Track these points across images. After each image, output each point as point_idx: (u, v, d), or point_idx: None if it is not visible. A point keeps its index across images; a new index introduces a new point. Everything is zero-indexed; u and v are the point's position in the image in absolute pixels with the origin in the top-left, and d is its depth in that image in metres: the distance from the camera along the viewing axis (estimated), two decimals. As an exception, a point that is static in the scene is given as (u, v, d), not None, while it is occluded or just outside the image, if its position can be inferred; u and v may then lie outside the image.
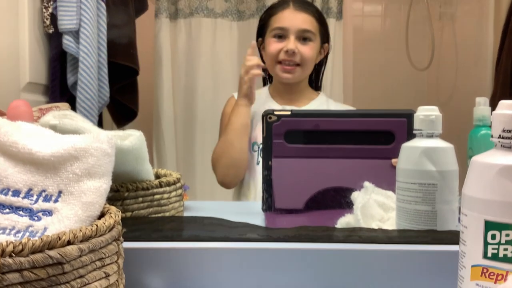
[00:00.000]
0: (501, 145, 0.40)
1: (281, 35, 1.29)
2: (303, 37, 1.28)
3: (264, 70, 1.33)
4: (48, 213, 0.42)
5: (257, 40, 1.41)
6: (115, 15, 1.53)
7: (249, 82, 1.22)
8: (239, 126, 1.23)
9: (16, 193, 0.43)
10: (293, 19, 1.28)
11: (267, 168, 0.82)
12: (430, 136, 0.61)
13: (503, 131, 0.40)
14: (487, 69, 1.94)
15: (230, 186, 1.28)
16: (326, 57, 1.41)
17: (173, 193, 0.70)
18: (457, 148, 0.62)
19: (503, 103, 0.40)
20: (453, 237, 0.55)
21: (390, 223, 0.66)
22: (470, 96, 0.95)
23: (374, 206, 0.67)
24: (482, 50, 2.01)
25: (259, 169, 1.24)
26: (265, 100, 1.36)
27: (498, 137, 0.40)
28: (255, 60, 1.23)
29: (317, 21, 1.32)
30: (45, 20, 1.40)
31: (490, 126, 0.85)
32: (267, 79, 1.45)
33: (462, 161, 0.64)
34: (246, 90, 1.22)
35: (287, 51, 1.26)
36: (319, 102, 1.38)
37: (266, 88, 1.41)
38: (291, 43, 1.26)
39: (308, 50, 1.29)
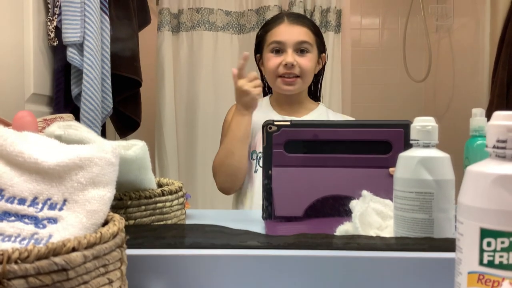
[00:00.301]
0: (496, 155, 0.41)
1: (279, 50, 1.30)
2: (300, 49, 1.30)
3: (263, 81, 1.34)
4: (53, 221, 0.43)
5: (255, 56, 1.43)
6: (119, 28, 1.55)
7: (254, 98, 1.21)
8: (240, 135, 1.22)
9: (22, 201, 0.44)
10: (289, 32, 1.30)
11: (267, 177, 0.83)
12: (427, 146, 0.62)
13: (498, 141, 0.41)
14: (484, 80, 1.96)
15: (229, 192, 1.30)
16: (324, 67, 1.42)
17: (175, 202, 0.71)
18: (453, 158, 0.63)
19: (497, 114, 0.42)
20: (449, 245, 0.55)
21: (388, 231, 0.67)
22: (467, 107, 0.96)
23: (372, 214, 0.68)
24: (478, 61, 2.02)
25: (257, 177, 1.25)
26: (265, 110, 1.37)
27: (493, 147, 0.41)
28: (257, 81, 1.23)
29: (313, 33, 1.33)
30: (50, 33, 1.41)
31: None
32: (267, 90, 1.46)
33: (459, 171, 0.65)
34: (251, 102, 1.21)
35: (286, 65, 1.28)
36: (319, 113, 1.39)
37: (266, 98, 1.42)
38: (289, 56, 1.28)
39: (307, 62, 1.30)
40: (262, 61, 1.38)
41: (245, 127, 1.22)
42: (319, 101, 1.46)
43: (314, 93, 1.45)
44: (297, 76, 1.29)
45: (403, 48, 2.43)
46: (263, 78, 1.42)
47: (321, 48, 1.37)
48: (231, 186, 1.27)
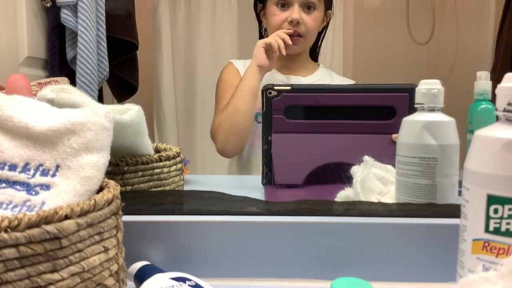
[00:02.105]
0: (506, 119, 0.39)
1: (284, 3, 1.22)
2: (307, 5, 1.22)
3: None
4: (46, 187, 0.42)
5: (256, 6, 1.35)
6: (113, -12, 1.51)
7: (275, 53, 1.16)
8: (249, 91, 1.15)
9: (13, 167, 0.43)
10: None
11: (267, 143, 0.82)
12: (432, 110, 0.61)
13: (509, 104, 0.39)
14: (488, 43, 1.92)
15: (230, 155, 1.21)
16: (327, 24, 1.35)
17: (173, 167, 0.70)
18: (456, 122, 0.62)
19: (509, 76, 0.40)
20: (453, 211, 0.55)
21: (389, 197, 0.66)
22: (470, 70, 0.94)
23: (373, 180, 0.67)
24: (483, 24, 1.98)
25: None
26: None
27: (503, 111, 0.39)
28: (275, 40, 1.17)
29: None
30: (42, -7, 1.37)
31: (491, 100, 0.84)
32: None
33: (461, 135, 0.64)
34: (266, 60, 1.16)
35: (291, 21, 1.20)
36: (321, 73, 1.35)
37: None
38: (296, 12, 1.20)
39: (312, 20, 1.23)
40: (265, 12, 1.31)
41: (256, 84, 1.15)
42: (317, 61, 1.42)
43: (313, 52, 1.40)
44: (300, 36, 1.23)
45: (406, 10, 2.38)
46: (263, 32, 1.36)
47: (328, 4, 1.30)
48: (234, 147, 1.20)
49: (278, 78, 1.29)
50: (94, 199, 0.39)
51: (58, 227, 0.34)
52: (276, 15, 1.23)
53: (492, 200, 0.39)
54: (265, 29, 1.35)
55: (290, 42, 1.17)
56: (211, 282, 0.48)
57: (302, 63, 1.33)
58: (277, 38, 1.16)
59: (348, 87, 0.85)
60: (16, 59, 1.29)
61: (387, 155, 0.69)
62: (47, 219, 0.34)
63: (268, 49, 1.16)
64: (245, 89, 1.15)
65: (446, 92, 0.62)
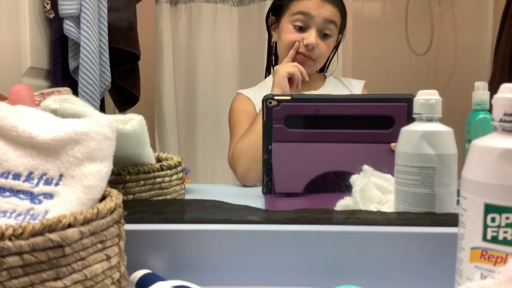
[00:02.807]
0: (502, 129, 0.40)
1: (302, 26, 1.20)
2: (324, 32, 1.21)
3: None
4: (49, 196, 0.43)
5: (267, 17, 1.32)
6: (116, 0, 1.52)
7: (296, 82, 1.15)
8: None
9: (17, 176, 0.43)
10: (320, 7, 1.19)
11: (267, 152, 0.83)
12: (430, 120, 0.61)
13: (505, 114, 0.40)
14: (486, 53, 1.93)
15: (252, 182, 1.10)
16: (338, 45, 1.34)
17: (174, 176, 0.70)
18: (455, 132, 0.62)
19: (505, 86, 0.40)
20: (451, 220, 0.55)
21: (388, 206, 0.67)
22: (469, 80, 0.94)
23: (373, 189, 0.68)
24: (481, 34, 1.99)
25: None
26: None
27: (500, 121, 0.40)
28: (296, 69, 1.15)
29: (341, 14, 1.24)
30: (46, 5, 1.38)
31: (489, 111, 0.85)
32: (272, 65, 1.39)
33: (460, 145, 0.64)
34: (285, 88, 1.13)
35: (307, 45, 1.19)
36: (332, 84, 1.33)
37: (271, 77, 1.35)
38: (313, 37, 1.18)
39: (326, 47, 1.23)
40: (277, 26, 1.28)
41: None
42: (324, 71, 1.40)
43: (320, 69, 1.39)
44: (311, 58, 1.22)
45: (405, 20, 2.39)
46: (272, 45, 1.33)
47: (342, 28, 1.29)
48: (257, 174, 1.07)
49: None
50: (97, 208, 0.39)
51: (62, 235, 0.35)
52: (291, 33, 1.21)
53: (489, 209, 0.39)
54: (274, 43, 1.33)
55: (307, 78, 1.16)
56: (212, 290, 0.48)
57: (310, 79, 1.27)
58: (297, 68, 1.14)
59: (347, 97, 0.86)
60: (19, 69, 1.30)
61: (386, 164, 0.70)
62: (51, 228, 0.35)
63: (289, 77, 1.14)
64: None
65: (444, 102, 0.62)
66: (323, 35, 1.21)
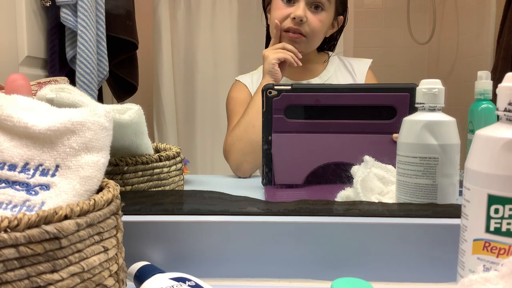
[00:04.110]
0: (507, 118, 0.39)
1: None
2: (315, 4, 1.13)
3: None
4: (46, 187, 0.42)
5: (263, 2, 1.28)
6: (113, -12, 1.51)
7: (291, 65, 1.11)
8: (260, 105, 1.03)
9: (12, 167, 0.42)
10: None
11: (267, 143, 0.82)
12: (433, 109, 0.60)
13: (509, 104, 0.39)
14: (489, 42, 1.92)
15: (246, 174, 1.07)
16: (340, 31, 1.28)
17: (173, 167, 0.70)
18: (457, 122, 0.61)
19: (509, 75, 0.40)
20: (453, 211, 0.54)
21: (389, 197, 0.66)
22: (471, 70, 0.93)
23: (374, 180, 0.67)
24: (483, 24, 1.98)
25: None
26: None
27: (504, 110, 0.39)
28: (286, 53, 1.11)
29: None
30: (42, -8, 1.37)
31: (491, 100, 0.84)
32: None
33: (462, 135, 0.64)
34: (277, 74, 1.09)
35: (294, 18, 1.11)
36: (334, 67, 1.27)
37: None
38: (300, 9, 1.10)
39: (318, 21, 1.14)
40: (270, 7, 1.22)
41: None
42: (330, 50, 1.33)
43: (323, 46, 1.30)
44: (303, 35, 1.14)
45: (407, 9, 2.38)
46: (268, 28, 1.27)
47: (340, 8, 1.22)
48: (250, 165, 1.06)
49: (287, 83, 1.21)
50: (94, 199, 0.38)
51: (58, 227, 0.34)
52: (279, 9, 1.15)
53: (492, 200, 0.38)
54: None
55: (300, 56, 1.11)
56: (211, 282, 0.48)
57: (309, 64, 1.26)
58: (288, 52, 1.10)
59: (349, 87, 0.84)
60: (16, 58, 1.29)
61: (387, 155, 0.69)
62: (47, 219, 0.34)
63: (280, 63, 1.10)
64: (258, 103, 1.03)
65: (446, 92, 0.62)
66: (315, 7, 1.14)
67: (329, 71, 1.28)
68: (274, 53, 1.09)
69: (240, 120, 1.11)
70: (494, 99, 0.80)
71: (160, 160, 0.67)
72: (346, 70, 1.30)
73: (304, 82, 1.26)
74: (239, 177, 1.05)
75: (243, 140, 1.07)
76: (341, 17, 1.24)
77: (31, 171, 0.43)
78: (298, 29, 1.13)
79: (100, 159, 0.44)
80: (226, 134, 1.19)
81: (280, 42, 1.16)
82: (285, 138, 0.81)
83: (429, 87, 0.60)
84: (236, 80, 1.32)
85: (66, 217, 0.35)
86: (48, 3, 1.38)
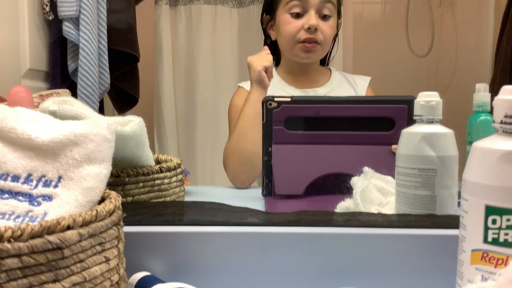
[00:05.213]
0: (503, 131, 0.40)
1: (299, 12, 1.16)
2: (323, 13, 1.16)
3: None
4: (48, 198, 0.42)
5: (261, 18, 1.30)
6: (115, 2, 1.52)
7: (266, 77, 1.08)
8: (252, 115, 1.05)
9: (16, 178, 0.43)
10: None
11: (267, 154, 0.82)
12: (431, 122, 0.61)
13: (506, 116, 0.39)
14: (487, 55, 1.93)
15: (243, 184, 1.05)
16: (337, 34, 1.30)
17: (174, 178, 0.70)
18: (456, 134, 0.62)
19: (506, 88, 0.40)
20: (452, 222, 0.55)
21: (389, 208, 0.66)
22: (469, 82, 0.94)
23: (373, 191, 0.67)
24: (482, 36, 1.99)
25: None
26: (279, 85, 1.26)
27: (500, 123, 0.40)
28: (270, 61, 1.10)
29: None
30: (45, 6, 1.38)
31: (490, 112, 0.85)
32: (274, 60, 1.32)
33: (461, 147, 0.64)
34: (264, 81, 1.07)
35: (309, 28, 1.14)
36: (337, 80, 1.29)
37: (274, 72, 1.27)
38: (313, 19, 1.13)
39: (329, 28, 1.18)
40: (274, 23, 1.24)
41: (258, 105, 0.98)
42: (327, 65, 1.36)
43: (323, 61, 1.34)
44: (317, 43, 1.17)
45: (405, 22, 2.39)
46: (271, 45, 1.28)
47: (339, 13, 1.25)
48: (246, 176, 1.05)
49: (293, 93, 1.24)
50: (96, 210, 0.39)
51: (60, 237, 0.35)
52: (290, 23, 1.17)
53: (490, 210, 0.39)
54: (271, 42, 1.29)
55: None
56: (212, 292, 0.48)
57: (315, 74, 1.28)
58: (271, 59, 1.10)
59: (348, 99, 0.85)
60: (18, 71, 1.30)
61: (386, 166, 0.70)
62: (50, 229, 0.34)
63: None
64: (253, 113, 1.06)
65: (445, 104, 0.62)
66: (323, 17, 1.17)
67: (333, 82, 1.29)
68: (259, 61, 1.09)
69: (233, 131, 1.11)
70: (492, 111, 0.81)
71: (161, 172, 0.68)
72: (348, 84, 1.32)
73: (310, 91, 1.27)
74: (238, 188, 1.05)
75: (236, 150, 1.07)
76: (340, 20, 1.27)
77: (34, 182, 0.43)
78: (314, 38, 1.16)
79: (102, 171, 0.45)
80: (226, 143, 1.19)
81: (293, 54, 1.20)
82: (285, 149, 0.82)
83: (427, 99, 0.61)
84: (239, 86, 1.32)
85: (68, 228, 0.36)
86: (51, 17, 1.39)
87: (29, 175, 0.44)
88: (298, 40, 1.17)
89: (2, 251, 0.32)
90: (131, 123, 0.62)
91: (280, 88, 1.26)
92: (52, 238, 0.34)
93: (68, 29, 1.36)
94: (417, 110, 0.62)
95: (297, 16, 1.17)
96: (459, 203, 0.50)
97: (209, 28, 2.11)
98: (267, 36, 1.31)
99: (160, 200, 0.68)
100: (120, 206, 0.44)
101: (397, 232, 0.54)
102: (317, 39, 1.17)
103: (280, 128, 0.81)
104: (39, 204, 0.42)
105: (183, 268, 0.55)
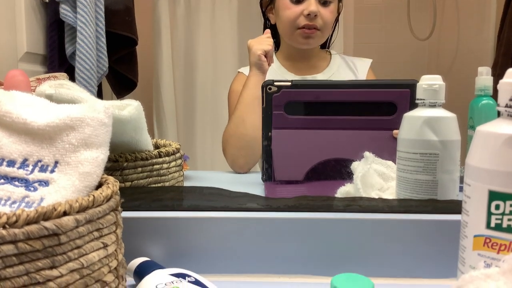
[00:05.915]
0: (508, 114, 0.39)
1: None
2: None
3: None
4: (45, 183, 0.42)
5: (261, 2, 1.29)
6: (113, -16, 1.50)
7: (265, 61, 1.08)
8: (251, 99, 1.05)
9: (11, 163, 0.42)
10: None
11: (267, 139, 0.82)
12: (433, 105, 0.60)
13: (511, 100, 0.39)
14: (489, 39, 1.91)
15: (242, 168, 1.05)
16: (338, 17, 1.29)
17: (173, 163, 0.70)
18: (457, 118, 0.61)
19: (511, 71, 0.39)
20: (454, 207, 0.54)
21: (389, 193, 0.66)
22: (471, 66, 0.93)
23: (374, 176, 0.67)
24: (484, 20, 1.97)
25: None
26: (279, 72, 1.26)
27: (505, 106, 0.39)
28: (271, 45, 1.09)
29: None
30: (41, -12, 1.37)
31: (492, 96, 0.84)
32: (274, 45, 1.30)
33: (463, 131, 0.64)
34: (263, 65, 1.07)
35: (308, 14, 1.13)
36: (337, 64, 1.29)
37: (274, 57, 1.24)
38: (313, 5, 1.13)
39: (329, 13, 1.17)
40: (273, 8, 1.24)
41: (256, 89, 0.99)
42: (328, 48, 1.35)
43: (324, 44, 1.32)
44: (317, 29, 1.17)
45: (407, 5, 2.37)
46: (271, 28, 1.25)
47: None
48: (245, 160, 1.05)
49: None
50: (93, 195, 0.38)
51: (57, 223, 0.34)
52: (289, 8, 1.16)
53: (493, 196, 0.38)
54: (271, 25, 1.28)
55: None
56: (211, 278, 0.48)
57: (314, 60, 1.28)
58: (271, 43, 1.09)
59: (349, 83, 0.84)
60: (15, 54, 1.29)
61: (387, 151, 0.69)
62: (46, 215, 0.34)
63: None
64: (251, 98, 1.05)
65: (447, 88, 0.61)
66: (323, 2, 1.17)
67: (333, 67, 1.29)
68: (259, 44, 1.08)
69: (232, 116, 1.10)
70: (494, 95, 0.80)
71: (160, 156, 0.67)
72: (348, 68, 1.31)
73: (309, 77, 1.26)
74: (238, 173, 1.05)
75: (235, 135, 1.07)
76: (341, 3, 1.26)
77: (30, 167, 0.43)
78: (314, 24, 1.16)
79: (99, 155, 0.44)
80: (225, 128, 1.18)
81: (293, 39, 1.19)
82: (285, 134, 0.81)
83: (430, 83, 0.60)
84: (239, 72, 1.31)
85: (65, 213, 0.35)
86: (47, -1, 1.37)
87: (25, 160, 0.43)
88: (298, 26, 1.17)
89: (-2, 238, 0.31)
90: (129, 107, 0.61)
91: (280, 75, 1.26)
92: (48, 224, 0.34)
93: (65, 11, 1.34)
94: (419, 94, 0.61)
95: (297, 1, 1.16)
96: (461, 188, 0.50)
97: (208, 11, 2.08)
98: (266, 20, 1.30)
99: (159, 185, 0.67)
100: (118, 192, 0.44)
101: (398, 217, 0.54)
102: (316, 25, 1.16)
103: (280, 112, 0.80)
104: (35, 189, 0.41)
105: (183, 253, 0.55)
